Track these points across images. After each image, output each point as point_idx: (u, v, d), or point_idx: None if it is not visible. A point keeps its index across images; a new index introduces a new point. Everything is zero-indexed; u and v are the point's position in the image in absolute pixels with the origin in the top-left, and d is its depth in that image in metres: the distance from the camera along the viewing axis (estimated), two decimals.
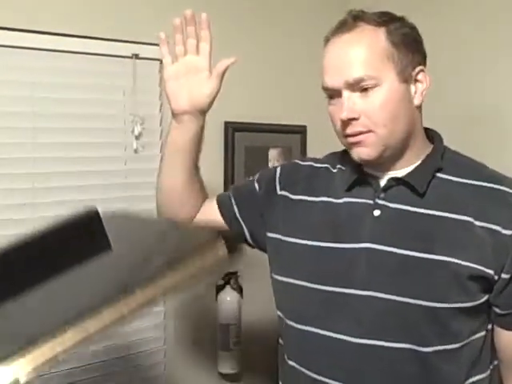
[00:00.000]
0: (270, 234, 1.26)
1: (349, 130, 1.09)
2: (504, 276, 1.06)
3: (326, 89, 1.13)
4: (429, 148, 1.16)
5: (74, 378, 1.79)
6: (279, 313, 1.24)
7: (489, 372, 1.14)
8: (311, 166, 1.29)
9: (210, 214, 1.35)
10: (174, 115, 1.27)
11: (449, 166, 1.14)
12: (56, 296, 0.94)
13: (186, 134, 1.27)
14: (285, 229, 1.23)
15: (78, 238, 1.05)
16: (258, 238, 1.31)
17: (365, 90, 1.08)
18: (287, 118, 2.29)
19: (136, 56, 1.90)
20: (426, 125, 1.21)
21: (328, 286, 1.13)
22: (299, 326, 1.17)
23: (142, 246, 1.05)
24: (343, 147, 1.21)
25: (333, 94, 1.12)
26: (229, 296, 2.06)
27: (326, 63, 1.13)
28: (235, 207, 1.33)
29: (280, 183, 1.29)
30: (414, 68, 1.11)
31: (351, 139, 1.10)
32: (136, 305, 0.83)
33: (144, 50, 1.90)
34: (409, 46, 1.11)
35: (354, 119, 1.08)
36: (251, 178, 1.37)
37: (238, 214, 1.33)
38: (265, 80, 2.22)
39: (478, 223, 1.06)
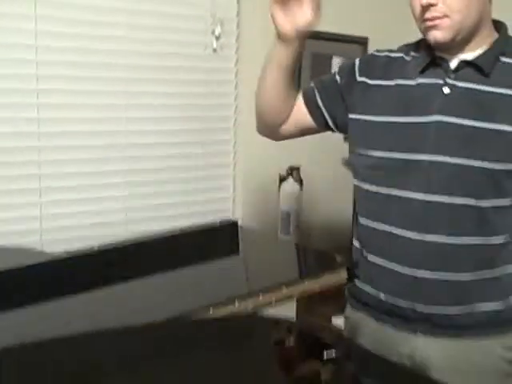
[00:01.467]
0: (351, 116, 1.46)
1: (427, 15, 1.26)
2: None
3: None
4: (495, 36, 1.34)
5: None
6: (356, 182, 1.46)
7: None
8: (387, 55, 1.46)
9: (297, 106, 1.53)
10: (279, 37, 1.39)
11: None
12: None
13: (289, 55, 1.41)
14: (363, 109, 1.42)
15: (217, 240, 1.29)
16: (340, 122, 1.50)
17: None
18: (351, 29, 2.47)
19: None
20: None
21: (402, 153, 1.33)
22: (374, 188, 1.38)
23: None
24: None
25: None
26: (291, 187, 2.30)
27: None
28: (317, 96, 1.51)
29: (359, 71, 1.47)
30: None
31: (429, 23, 1.27)
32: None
33: None
34: None
35: (432, 5, 1.25)
36: (332, 72, 1.55)
37: (320, 103, 1.51)
38: None
39: None
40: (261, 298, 1.06)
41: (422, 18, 1.27)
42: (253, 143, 2.27)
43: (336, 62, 2.45)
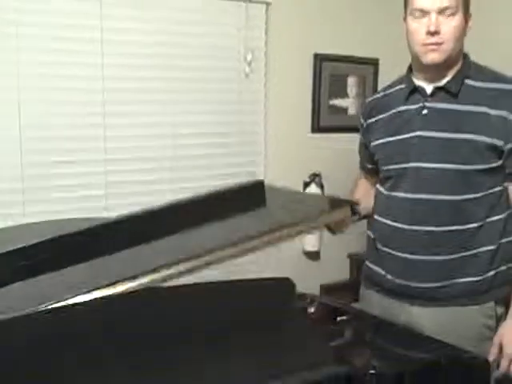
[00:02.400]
0: (371, 144, 1.82)
1: (432, 40, 1.58)
2: (510, 146, 1.57)
3: (417, 9, 1.60)
4: (461, 62, 1.66)
5: None
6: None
7: (504, 215, 1.66)
8: (375, 98, 1.85)
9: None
10: None
11: (474, 75, 1.64)
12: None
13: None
14: (373, 137, 1.79)
15: (246, 196, 1.53)
16: None
17: (446, 14, 1.57)
18: (363, 51, 2.83)
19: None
20: None
21: (396, 164, 1.70)
22: (382, 191, 1.76)
23: (292, 205, 1.56)
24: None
25: (420, 14, 1.59)
26: (314, 191, 2.64)
27: None
28: (366, 163, 1.91)
29: (363, 118, 1.86)
30: (468, 11, 1.63)
31: (431, 47, 1.58)
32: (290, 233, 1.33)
33: None
34: None
35: (437, 33, 1.57)
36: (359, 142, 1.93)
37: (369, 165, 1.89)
38: (346, 20, 2.76)
39: (492, 112, 1.58)
40: (286, 231, 1.30)
41: (424, 43, 1.59)
42: (280, 153, 2.65)
43: (351, 81, 2.80)
